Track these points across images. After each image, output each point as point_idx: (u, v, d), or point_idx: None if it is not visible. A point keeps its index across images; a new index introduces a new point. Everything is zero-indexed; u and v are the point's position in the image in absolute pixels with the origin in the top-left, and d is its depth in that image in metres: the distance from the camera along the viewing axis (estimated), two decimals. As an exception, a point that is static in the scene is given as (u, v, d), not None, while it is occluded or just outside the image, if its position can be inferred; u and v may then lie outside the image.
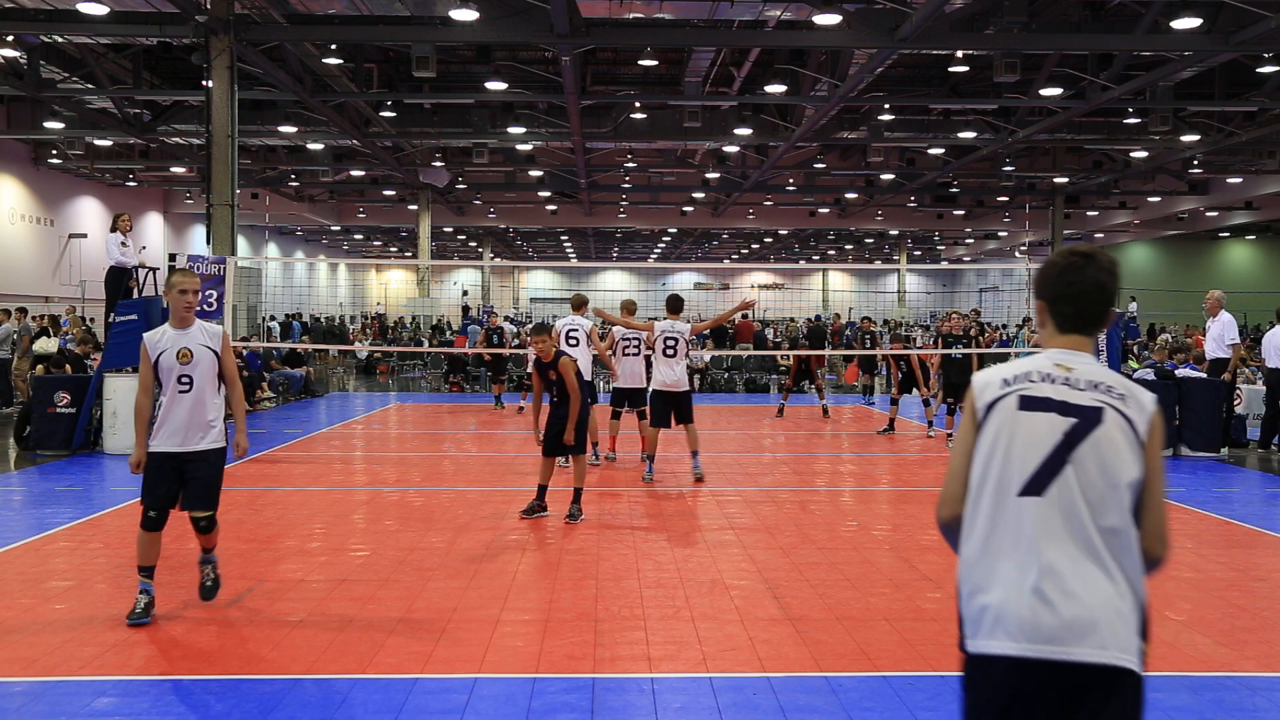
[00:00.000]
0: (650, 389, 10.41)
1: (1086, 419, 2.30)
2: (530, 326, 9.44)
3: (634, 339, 10.90)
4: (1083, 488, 2.26)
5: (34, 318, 18.77)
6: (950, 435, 12.79)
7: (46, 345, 16.52)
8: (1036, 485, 2.28)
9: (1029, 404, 2.34)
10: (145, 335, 5.52)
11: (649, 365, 10.68)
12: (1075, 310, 2.44)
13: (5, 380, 16.82)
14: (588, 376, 10.89)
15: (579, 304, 11.53)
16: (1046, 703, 2.22)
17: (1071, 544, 2.24)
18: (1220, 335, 12.68)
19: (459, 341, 25.21)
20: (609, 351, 10.95)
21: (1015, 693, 2.23)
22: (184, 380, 5.42)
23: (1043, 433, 2.31)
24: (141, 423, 5.49)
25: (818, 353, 19.04)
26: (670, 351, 10.03)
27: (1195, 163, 28.75)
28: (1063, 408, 2.31)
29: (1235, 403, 13.06)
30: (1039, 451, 2.29)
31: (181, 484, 5.52)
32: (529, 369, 17.28)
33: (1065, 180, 32.86)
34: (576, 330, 11.05)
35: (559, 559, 6.90)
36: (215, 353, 5.50)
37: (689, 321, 10.61)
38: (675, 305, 10.42)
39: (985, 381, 2.44)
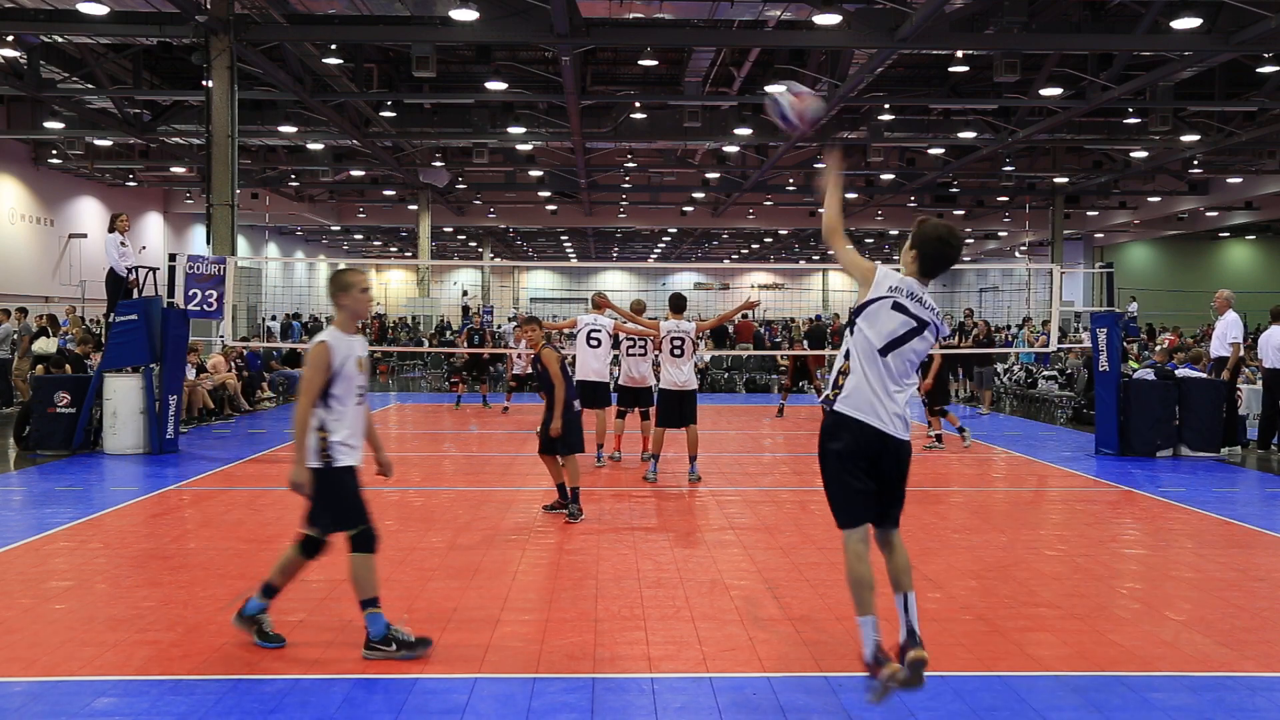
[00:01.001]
0: (658, 388, 10.41)
1: (920, 325, 4.17)
2: (522, 317, 9.41)
3: (640, 339, 10.89)
4: (906, 354, 4.18)
5: (34, 318, 18.75)
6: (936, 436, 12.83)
7: (46, 345, 16.52)
8: (886, 350, 4.16)
9: (896, 308, 4.17)
10: (328, 339, 4.91)
11: (655, 365, 10.70)
12: (934, 266, 4.24)
13: (5, 380, 16.82)
14: (605, 379, 10.92)
15: (600, 304, 11.45)
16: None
17: (895, 380, 4.17)
18: (1224, 334, 12.66)
19: (460, 341, 25.18)
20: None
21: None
22: (361, 390, 4.99)
23: (897, 323, 4.16)
24: (306, 436, 4.87)
25: (817, 353, 19.03)
26: (678, 351, 10.05)
27: (1195, 163, 28.75)
28: (910, 314, 4.17)
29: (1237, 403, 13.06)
30: (895, 333, 4.15)
31: None
32: (518, 368, 17.35)
33: (1065, 180, 32.85)
34: (599, 330, 10.85)
35: (559, 559, 6.90)
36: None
37: (692, 320, 10.60)
38: (679, 304, 10.42)
39: (888, 280, 4.20)
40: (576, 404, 8.25)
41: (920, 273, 4.21)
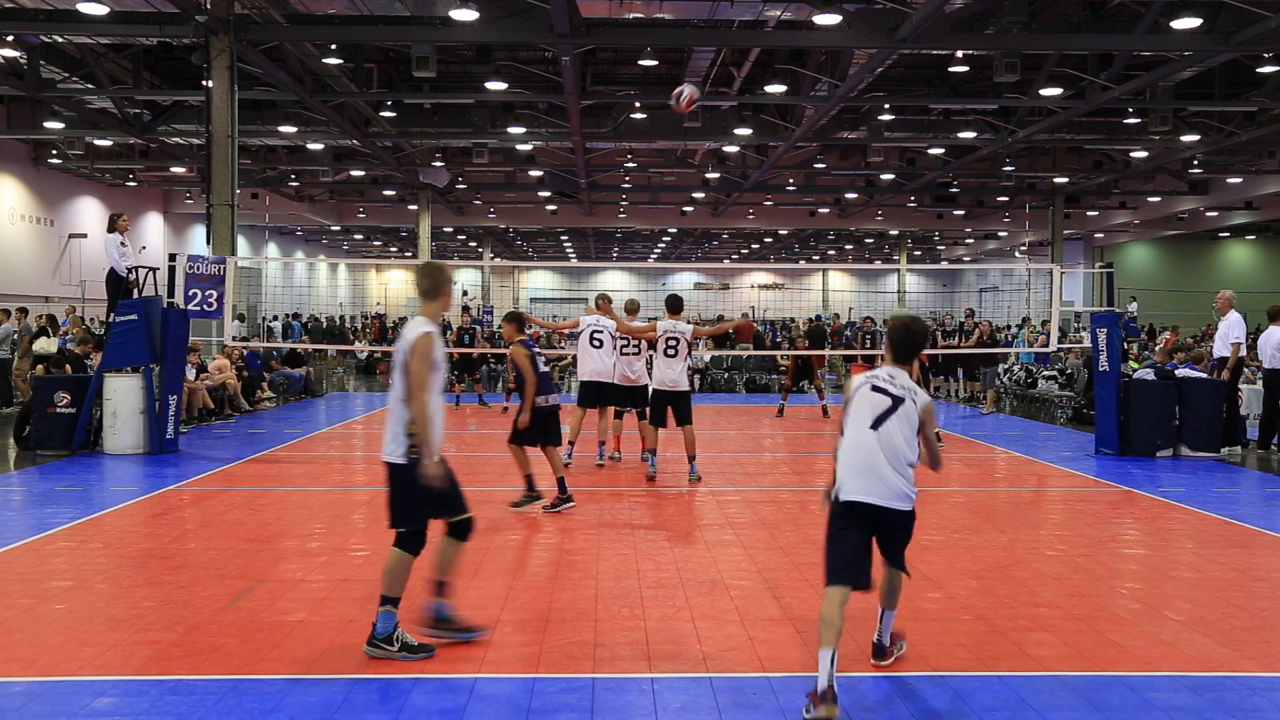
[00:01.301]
0: (650, 388, 10.47)
1: (897, 401, 4.61)
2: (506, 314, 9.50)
3: (634, 339, 10.91)
4: (895, 430, 4.58)
5: (34, 318, 18.75)
6: None
7: (47, 346, 16.53)
8: (876, 425, 4.59)
9: (875, 389, 4.66)
10: (430, 329, 4.91)
11: (649, 364, 10.75)
12: (900, 353, 4.78)
13: (5, 380, 16.82)
14: (609, 379, 10.93)
15: (633, 309, 11.46)
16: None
17: (887, 458, 4.55)
18: (1226, 334, 12.63)
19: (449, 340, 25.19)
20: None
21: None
22: (439, 383, 5.03)
23: (879, 402, 4.62)
24: (432, 429, 4.83)
25: (817, 353, 19.02)
26: (671, 351, 10.07)
27: (1195, 163, 28.75)
28: (888, 394, 4.63)
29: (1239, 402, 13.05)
30: (879, 410, 4.61)
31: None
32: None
33: (1065, 180, 32.85)
34: (602, 331, 10.91)
35: (559, 559, 6.90)
36: None
37: (690, 323, 10.65)
38: (675, 305, 10.44)
39: (858, 380, 4.76)
40: (553, 398, 8.43)
41: (895, 359, 4.77)
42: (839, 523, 4.55)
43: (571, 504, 8.45)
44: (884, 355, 4.83)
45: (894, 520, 4.57)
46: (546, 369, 8.52)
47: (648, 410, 10.53)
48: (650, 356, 10.60)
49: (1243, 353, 12.68)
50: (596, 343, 10.84)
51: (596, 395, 10.86)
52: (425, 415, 4.80)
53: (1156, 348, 17.19)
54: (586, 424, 11.06)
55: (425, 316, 5.02)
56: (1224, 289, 13.20)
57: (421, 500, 4.89)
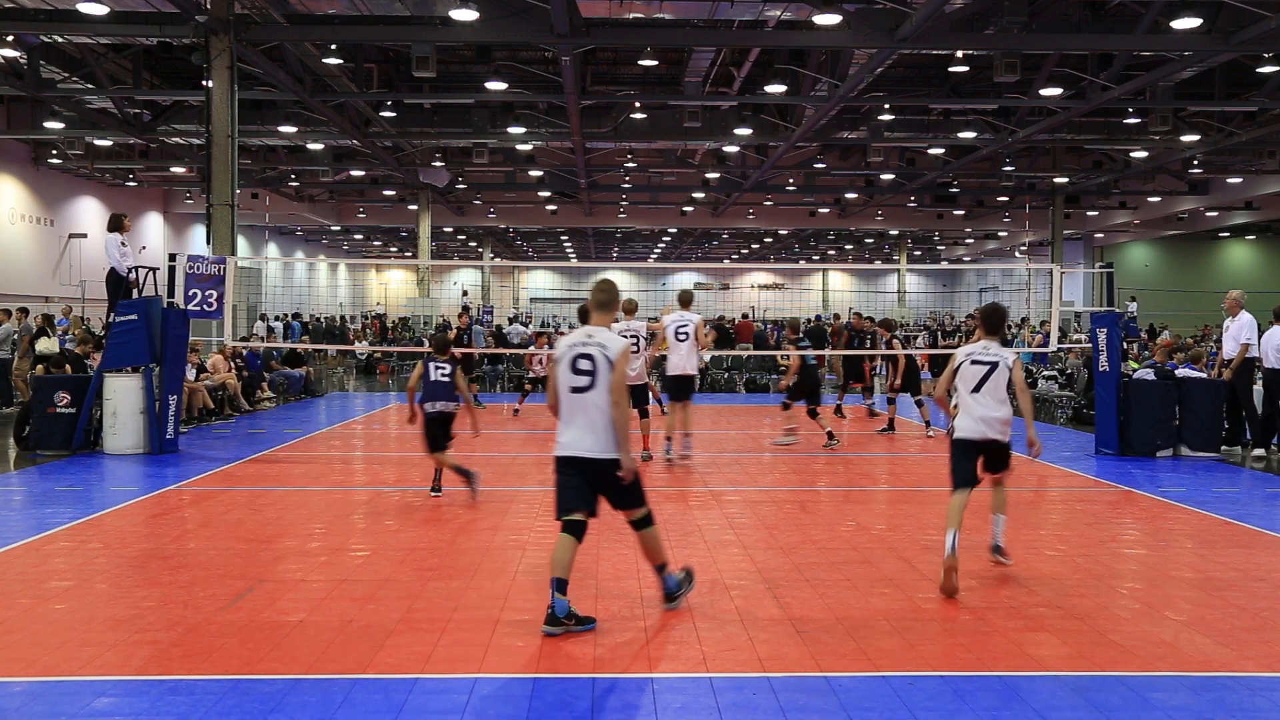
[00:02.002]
0: (666, 374, 11.65)
1: (993, 366, 6.49)
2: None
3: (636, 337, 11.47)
4: (994, 388, 6.46)
5: (34, 318, 18.74)
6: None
7: (49, 345, 16.53)
8: (977, 389, 6.48)
9: (975, 362, 6.51)
10: (628, 340, 5.66)
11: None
12: (990, 327, 6.72)
13: (5, 380, 16.81)
14: (691, 370, 11.55)
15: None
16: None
17: (987, 410, 6.44)
18: (1238, 334, 12.45)
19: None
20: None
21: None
22: None
23: (977, 371, 6.49)
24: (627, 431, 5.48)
25: (817, 352, 18.98)
26: (683, 337, 11.32)
27: (1195, 163, 28.75)
28: (984, 363, 6.51)
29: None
30: (979, 377, 6.47)
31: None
32: (536, 369, 17.23)
33: (1065, 180, 32.85)
34: (686, 326, 11.47)
35: (559, 559, 6.89)
36: None
37: (698, 315, 11.78)
38: (686, 299, 11.88)
39: (963, 352, 6.71)
40: (440, 405, 8.94)
41: (987, 333, 6.77)
42: (959, 452, 6.51)
43: (438, 495, 9.10)
44: (977, 331, 7.23)
45: (995, 448, 6.52)
46: (440, 379, 8.94)
47: (652, 409, 11.65)
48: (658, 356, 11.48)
49: (1253, 353, 12.50)
50: (682, 336, 11.51)
51: (680, 387, 11.53)
52: (627, 420, 5.39)
53: (1157, 347, 17.12)
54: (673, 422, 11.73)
55: (601, 326, 5.58)
56: (1233, 289, 13.07)
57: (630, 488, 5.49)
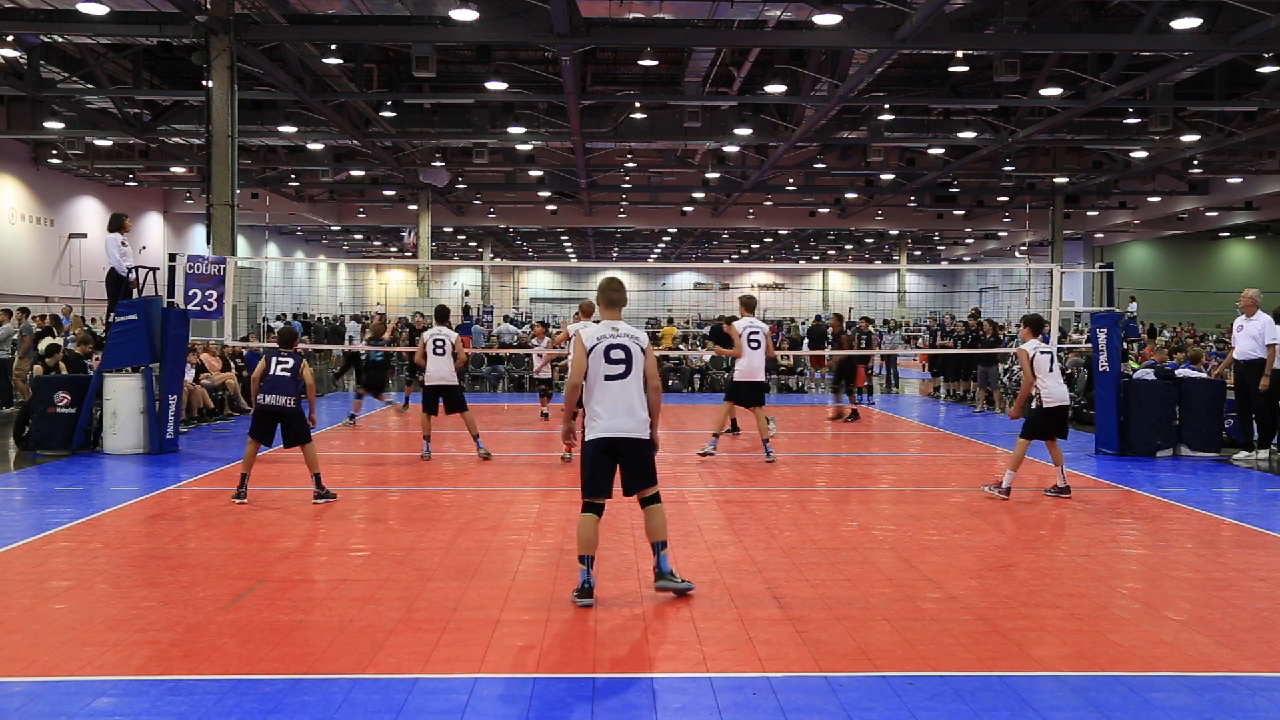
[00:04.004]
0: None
1: (1055, 355, 9.84)
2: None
3: None
4: (1058, 369, 9.60)
5: (35, 318, 18.75)
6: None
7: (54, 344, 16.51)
8: (1051, 369, 9.45)
9: (1043, 352, 9.50)
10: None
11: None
12: (1034, 329, 9.72)
13: (5, 380, 16.81)
14: (760, 377, 11.74)
15: (750, 305, 11.99)
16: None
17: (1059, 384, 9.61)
18: (1260, 334, 11.91)
19: (464, 341, 25.17)
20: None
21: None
22: None
23: (1046, 360, 9.45)
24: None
25: (816, 352, 19.02)
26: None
27: (1195, 163, 28.76)
28: (1051, 354, 9.65)
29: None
30: (1048, 361, 9.47)
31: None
32: (543, 369, 16.80)
33: (1065, 180, 32.86)
34: (758, 332, 11.63)
35: (559, 559, 6.90)
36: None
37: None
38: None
39: (1031, 346, 9.54)
40: (277, 399, 8.75)
41: (1032, 334, 9.58)
42: (1040, 418, 9.29)
43: (243, 501, 8.74)
44: (1024, 331, 9.68)
45: (1062, 413, 9.35)
46: (280, 374, 8.78)
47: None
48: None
49: (1257, 353, 12.11)
50: (754, 343, 11.61)
51: (750, 394, 11.67)
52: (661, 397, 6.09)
53: (1156, 347, 17.08)
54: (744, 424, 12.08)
55: (616, 320, 6.06)
56: (1248, 288, 12.71)
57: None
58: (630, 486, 5.94)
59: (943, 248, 56.12)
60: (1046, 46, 17.56)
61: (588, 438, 5.87)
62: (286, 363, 8.84)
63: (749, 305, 11.89)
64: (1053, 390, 9.27)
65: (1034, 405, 9.44)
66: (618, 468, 5.90)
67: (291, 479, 10.36)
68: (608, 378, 5.80)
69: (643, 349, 5.91)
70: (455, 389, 11.72)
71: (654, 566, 5.98)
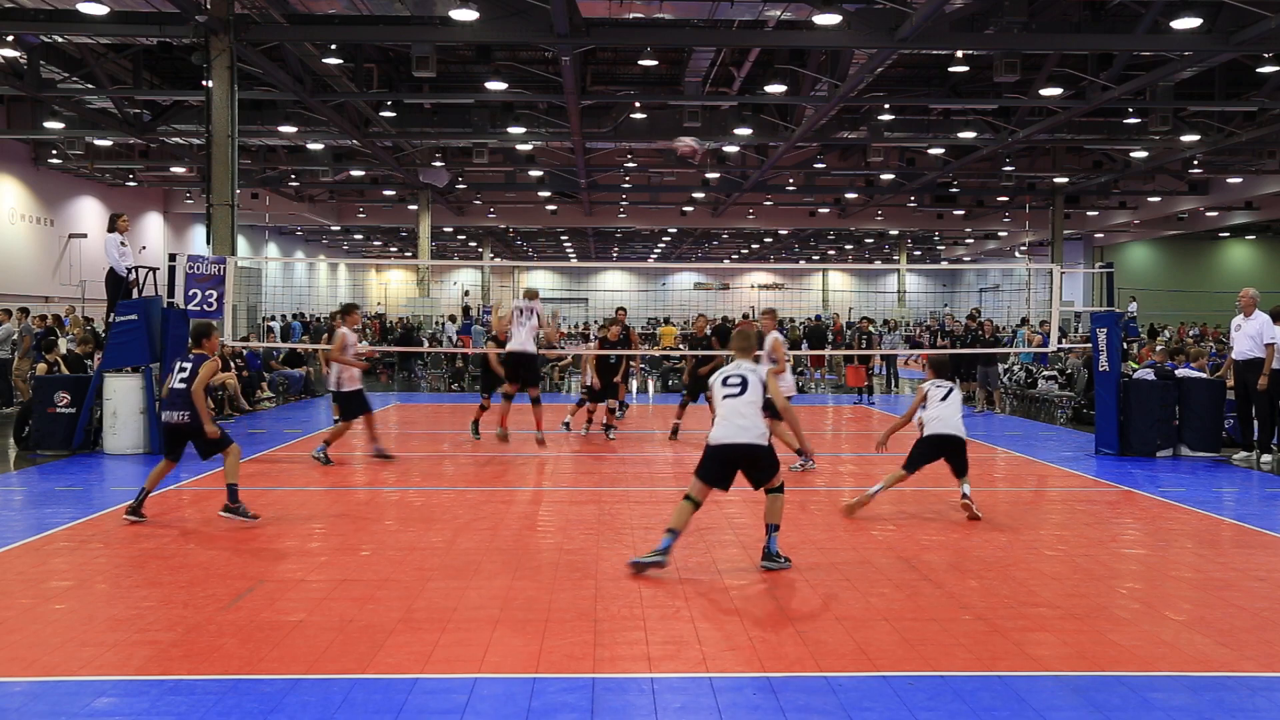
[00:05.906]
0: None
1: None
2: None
3: None
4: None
5: (36, 318, 18.74)
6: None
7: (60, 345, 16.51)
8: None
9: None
10: None
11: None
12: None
13: (5, 380, 16.81)
14: (792, 393, 11.60)
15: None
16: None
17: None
18: (1258, 333, 11.80)
19: (464, 341, 25.22)
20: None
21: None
22: None
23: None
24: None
25: (817, 352, 19.02)
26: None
27: (1195, 163, 28.76)
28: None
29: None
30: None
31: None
32: (580, 368, 16.02)
33: (1065, 180, 32.86)
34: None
35: (559, 559, 6.90)
36: None
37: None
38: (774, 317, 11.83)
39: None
40: (174, 415, 7.82)
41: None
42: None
43: (138, 520, 7.86)
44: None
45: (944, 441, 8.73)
46: (178, 385, 7.73)
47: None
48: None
49: (1256, 352, 12.05)
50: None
51: None
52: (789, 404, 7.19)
53: (1158, 348, 17.07)
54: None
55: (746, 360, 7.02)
56: (1247, 288, 12.66)
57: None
58: (758, 484, 6.81)
59: (943, 248, 56.10)
60: (1046, 46, 17.56)
61: (708, 442, 6.82)
62: (185, 369, 7.66)
63: (773, 317, 11.59)
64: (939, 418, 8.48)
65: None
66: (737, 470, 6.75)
67: (291, 479, 10.37)
68: (725, 396, 6.76)
69: (761, 379, 6.83)
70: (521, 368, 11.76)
71: (764, 547, 6.73)
